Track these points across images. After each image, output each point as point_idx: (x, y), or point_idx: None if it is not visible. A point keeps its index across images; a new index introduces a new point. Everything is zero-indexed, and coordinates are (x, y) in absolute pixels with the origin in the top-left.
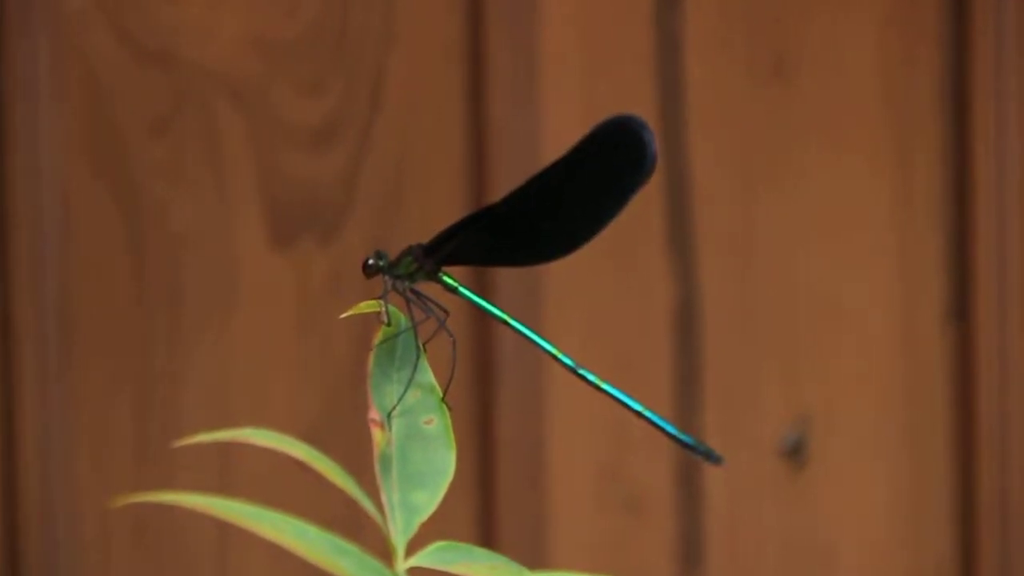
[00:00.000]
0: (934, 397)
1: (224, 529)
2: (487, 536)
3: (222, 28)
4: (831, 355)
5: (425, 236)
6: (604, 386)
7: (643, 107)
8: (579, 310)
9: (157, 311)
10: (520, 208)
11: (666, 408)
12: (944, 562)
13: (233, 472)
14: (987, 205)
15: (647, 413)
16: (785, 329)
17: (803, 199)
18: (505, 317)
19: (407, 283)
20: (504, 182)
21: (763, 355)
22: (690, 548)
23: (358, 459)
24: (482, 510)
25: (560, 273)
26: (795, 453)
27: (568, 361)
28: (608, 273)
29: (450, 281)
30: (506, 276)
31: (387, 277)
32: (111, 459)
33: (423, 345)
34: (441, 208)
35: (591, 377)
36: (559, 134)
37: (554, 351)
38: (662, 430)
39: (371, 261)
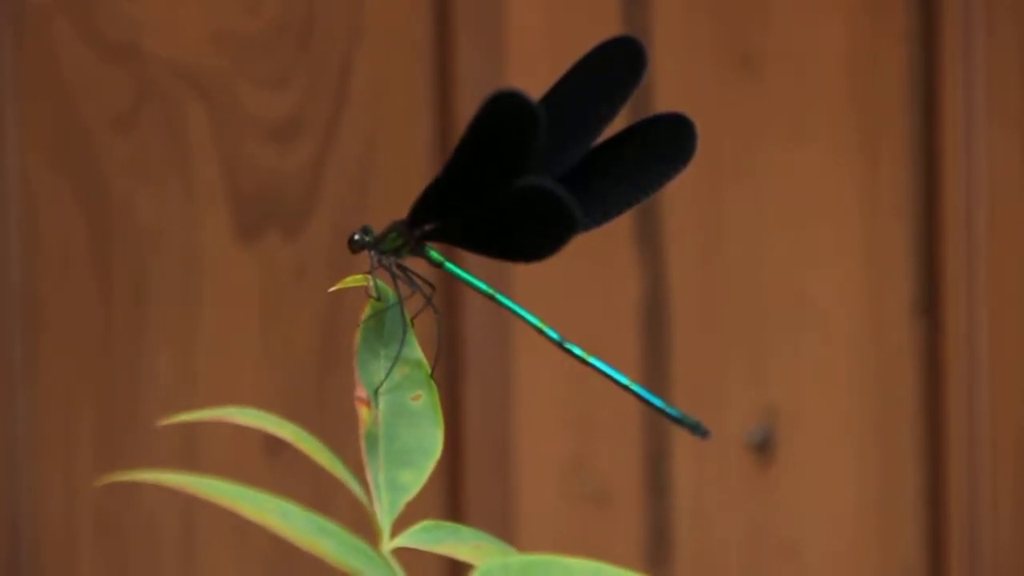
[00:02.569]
0: (902, 391)
1: (188, 527)
2: None
3: (186, 23)
4: (798, 348)
5: None
6: (591, 360)
7: None
8: (546, 303)
9: (122, 306)
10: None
11: (632, 400)
12: (912, 556)
13: (197, 470)
14: (955, 198)
15: (634, 387)
16: (752, 322)
17: (770, 193)
18: (492, 292)
19: (393, 258)
20: None
21: (730, 348)
22: (657, 541)
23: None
24: (449, 502)
25: (527, 266)
26: (762, 447)
27: (554, 335)
28: (575, 266)
29: (436, 256)
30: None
31: (373, 252)
32: (76, 456)
33: (411, 320)
34: (406, 202)
35: (577, 351)
36: None
37: (540, 325)
38: (650, 404)
39: (357, 236)
